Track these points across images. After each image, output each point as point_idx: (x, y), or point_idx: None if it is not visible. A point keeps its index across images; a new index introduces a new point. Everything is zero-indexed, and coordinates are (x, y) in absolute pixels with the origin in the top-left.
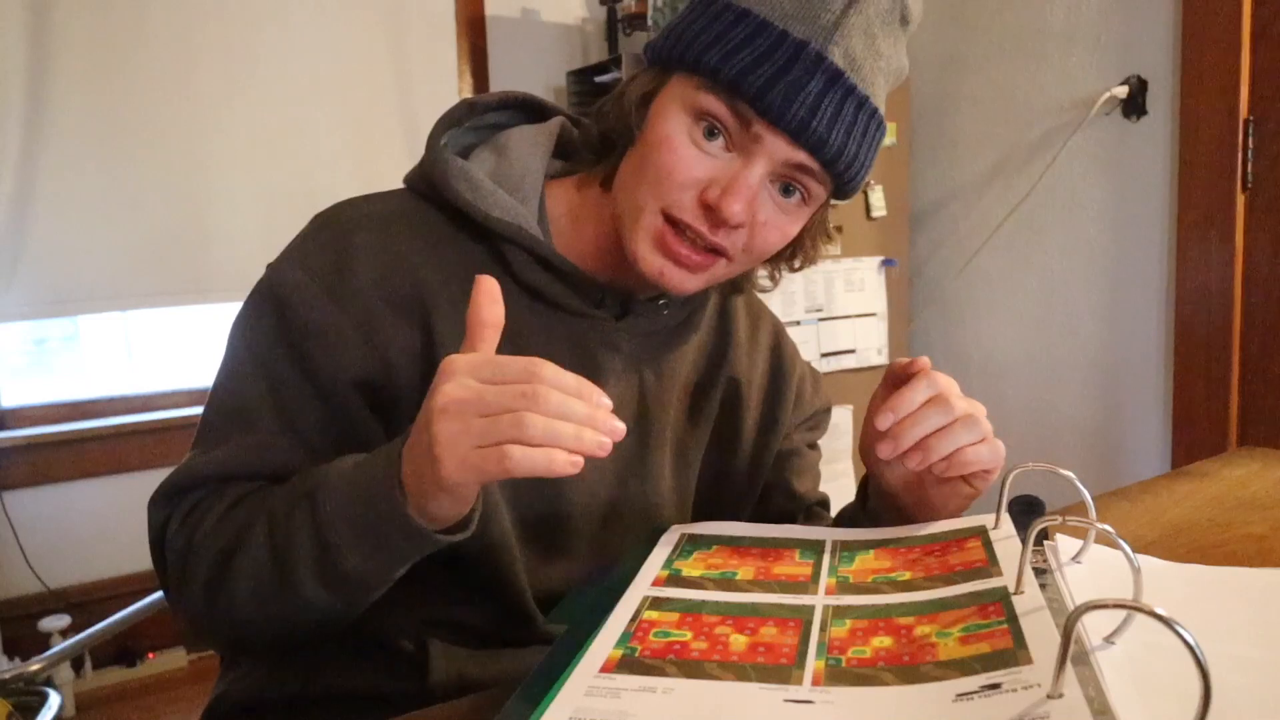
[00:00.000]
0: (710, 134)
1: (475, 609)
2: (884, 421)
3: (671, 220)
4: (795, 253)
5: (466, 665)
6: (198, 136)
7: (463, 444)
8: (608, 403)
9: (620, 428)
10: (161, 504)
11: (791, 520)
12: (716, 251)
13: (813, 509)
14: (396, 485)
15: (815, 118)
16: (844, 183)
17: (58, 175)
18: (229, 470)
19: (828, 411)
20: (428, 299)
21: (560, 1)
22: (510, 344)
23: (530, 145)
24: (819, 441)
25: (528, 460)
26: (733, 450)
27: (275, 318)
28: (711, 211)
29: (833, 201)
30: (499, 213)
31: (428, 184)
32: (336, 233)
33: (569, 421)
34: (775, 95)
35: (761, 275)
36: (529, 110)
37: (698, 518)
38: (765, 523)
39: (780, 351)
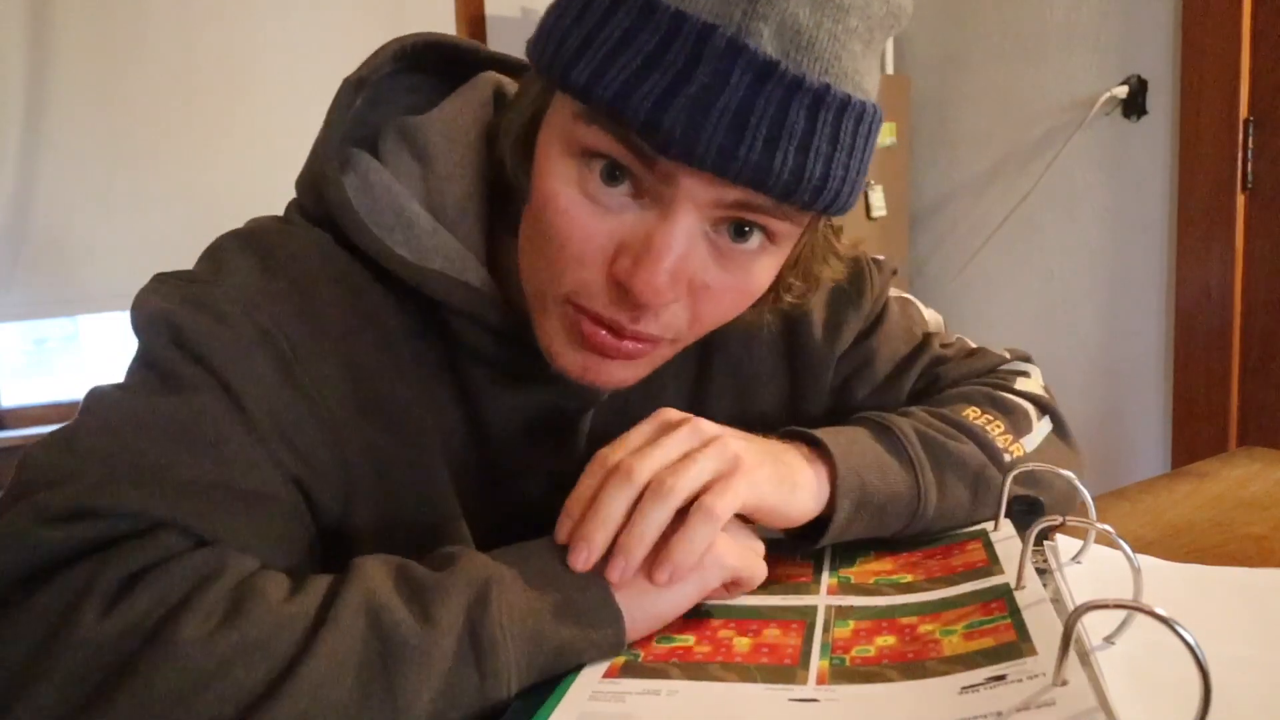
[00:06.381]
0: (611, 176)
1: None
2: (561, 532)
3: (581, 309)
4: (788, 289)
5: None
6: (198, 137)
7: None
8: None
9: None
10: (62, 527)
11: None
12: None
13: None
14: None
15: (744, 140)
16: (825, 207)
17: (58, 175)
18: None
19: (881, 302)
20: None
21: None
22: (473, 426)
23: (459, 143)
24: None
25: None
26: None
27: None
28: (627, 294)
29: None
30: (440, 264)
31: (335, 230)
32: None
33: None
34: (673, 118)
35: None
36: (438, 66)
37: None
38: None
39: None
